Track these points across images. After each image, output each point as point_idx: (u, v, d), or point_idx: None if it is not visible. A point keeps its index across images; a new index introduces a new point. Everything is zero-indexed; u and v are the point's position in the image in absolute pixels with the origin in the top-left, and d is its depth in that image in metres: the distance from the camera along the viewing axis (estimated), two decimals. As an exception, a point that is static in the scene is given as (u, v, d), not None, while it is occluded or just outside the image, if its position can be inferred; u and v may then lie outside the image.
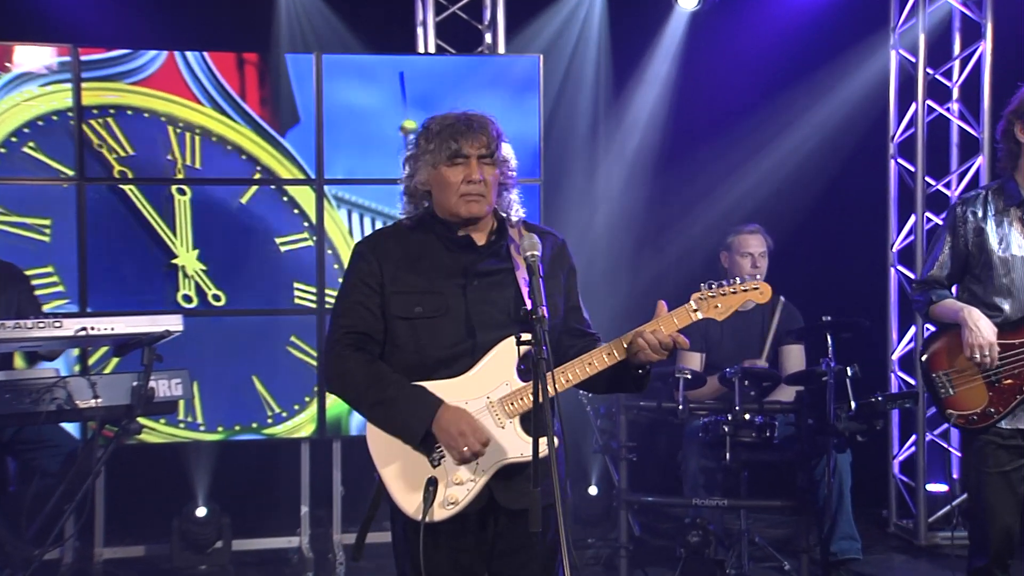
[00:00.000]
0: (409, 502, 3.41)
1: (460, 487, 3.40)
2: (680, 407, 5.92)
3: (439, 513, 3.39)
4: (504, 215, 3.61)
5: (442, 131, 3.50)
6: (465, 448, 3.34)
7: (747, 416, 5.90)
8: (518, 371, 3.42)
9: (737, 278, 3.54)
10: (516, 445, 3.40)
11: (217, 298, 6.56)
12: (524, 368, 3.26)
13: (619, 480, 6.34)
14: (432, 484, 3.39)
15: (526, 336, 3.23)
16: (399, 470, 3.44)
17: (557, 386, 3.37)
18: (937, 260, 4.77)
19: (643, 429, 6.65)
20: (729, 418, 5.88)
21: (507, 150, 3.56)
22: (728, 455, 5.86)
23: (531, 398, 3.24)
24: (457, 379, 3.43)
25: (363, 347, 3.49)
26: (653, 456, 6.92)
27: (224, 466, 6.91)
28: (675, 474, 6.49)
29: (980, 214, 4.67)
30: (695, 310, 3.49)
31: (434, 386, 3.43)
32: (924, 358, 4.76)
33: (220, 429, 6.60)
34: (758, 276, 6.52)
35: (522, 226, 3.63)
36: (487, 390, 3.43)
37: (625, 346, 3.43)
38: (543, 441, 3.13)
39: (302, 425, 6.69)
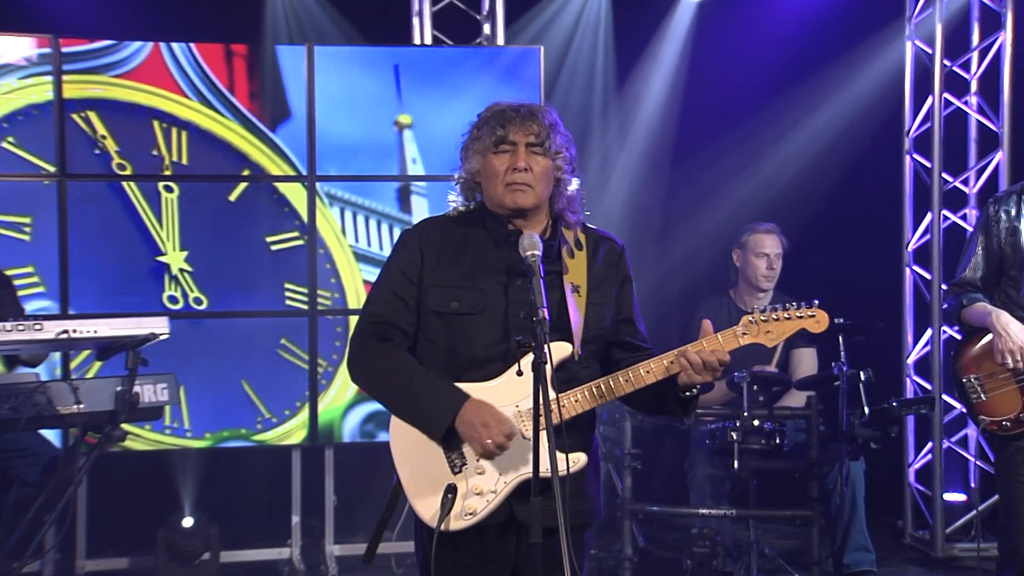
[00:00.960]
0: (426, 507, 3.41)
1: (479, 498, 3.39)
2: (685, 418, 5.90)
3: (455, 523, 3.38)
4: (560, 214, 3.58)
5: (491, 118, 3.51)
6: (488, 440, 3.32)
7: (756, 422, 5.90)
8: (547, 379, 3.26)
9: (793, 303, 3.50)
10: (543, 459, 3.31)
11: (199, 301, 6.56)
12: (520, 372, 3.25)
13: (623, 489, 6.34)
14: (451, 491, 3.38)
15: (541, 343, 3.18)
16: (419, 473, 3.43)
17: (589, 400, 3.40)
18: (970, 262, 4.79)
19: (648, 436, 6.65)
20: (738, 424, 5.88)
21: (563, 142, 3.53)
22: (736, 463, 5.86)
23: (564, 410, 3.29)
24: (486, 384, 3.42)
25: (388, 337, 3.49)
26: (658, 464, 6.93)
27: (212, 474, 6.91)
28: (681, 483, 6.49)
29: (1013, 213, 4.69)
30: (743, 334, 3.47)
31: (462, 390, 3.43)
32: (955, 361, 4.77)
33: (208, 436, 6.60)
34: (773, 278, 6.56)
35: (580, 228, 3.62)
36: (517, 398, 3.41)
37: (666, 364, 3.42)
38: (548, 449, 3.11)
39: (293, 431, 6.69)
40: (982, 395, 4.68)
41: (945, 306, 4.90)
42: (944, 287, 6.30)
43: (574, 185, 3.59)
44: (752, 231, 6.66)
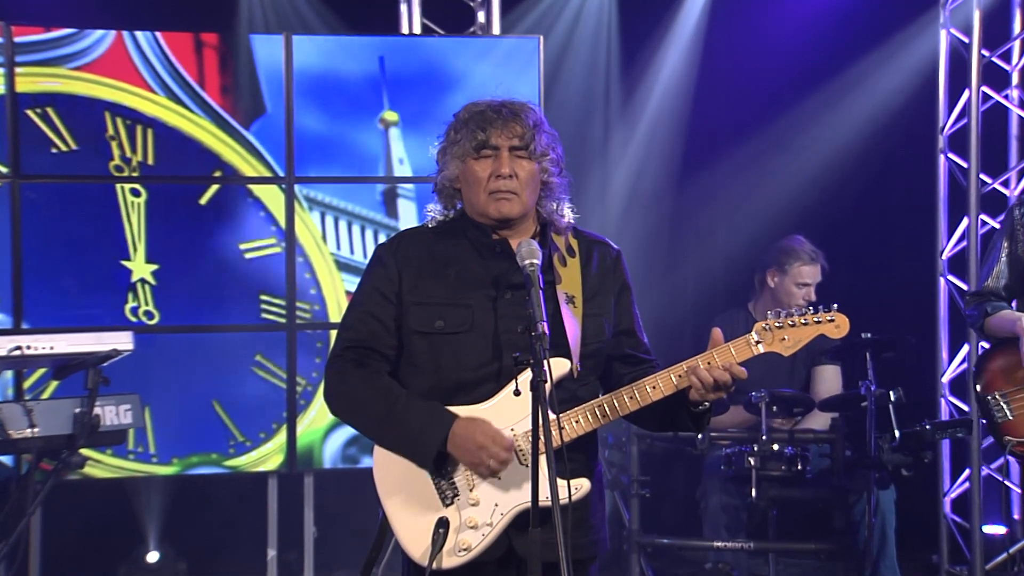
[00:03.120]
0: (415, 544, 3.41)
1: (474, 532, 3.39)
2: (699, 436, 5.93)
3: (448, 560, 3.38)
4: (548, 219, 3.60)
5: (470, 120, 3.51)
6: (491, 461, 3.33)
7: (776, 447, 5.92)
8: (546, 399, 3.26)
9: (810, 307, 3.52)
10: (542, 486, 3.29)
11: (150, 315, 6.55)
12: (517, 392, 3.26)
13: (630, 519, 6.35)
14: (442, 526, 3.38)
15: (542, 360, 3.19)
16: (406, 506, 3.43)
17: (591, 421, 3.41)
18: (993, 269, 4.79)
19: (657, 461, 6.66)
20: (755, 449, 5.89)
21: (549, 142, 3.53)
22: (754, 491, 5.87)
23: (564, 433, 3.31)
24: (477, 407, 3.43)
25: (367, 363, 3.50)
26: (669, 492, 6.94)
27: (179, 504, 6.91)
28: (694, 513, 6.50)
29: (1039, 217, 4.69)
30: (757, 342, 3.49)
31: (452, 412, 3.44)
32: (978, 377, 4.77)
33: (175, 461, 6.60)
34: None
35: (571, 233, 3.63)
36: (512, 420, 3.42)
37: (675, 379, 3.44)
38: (548, 476, 3.11)
39: (269, 456, 6.69)
40: (1008, 413, 4.68)
41: (967, 315, 4.90)
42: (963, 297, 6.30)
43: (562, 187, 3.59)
44: (796, 258, 6.58)
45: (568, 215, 3.61)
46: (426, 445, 3.38)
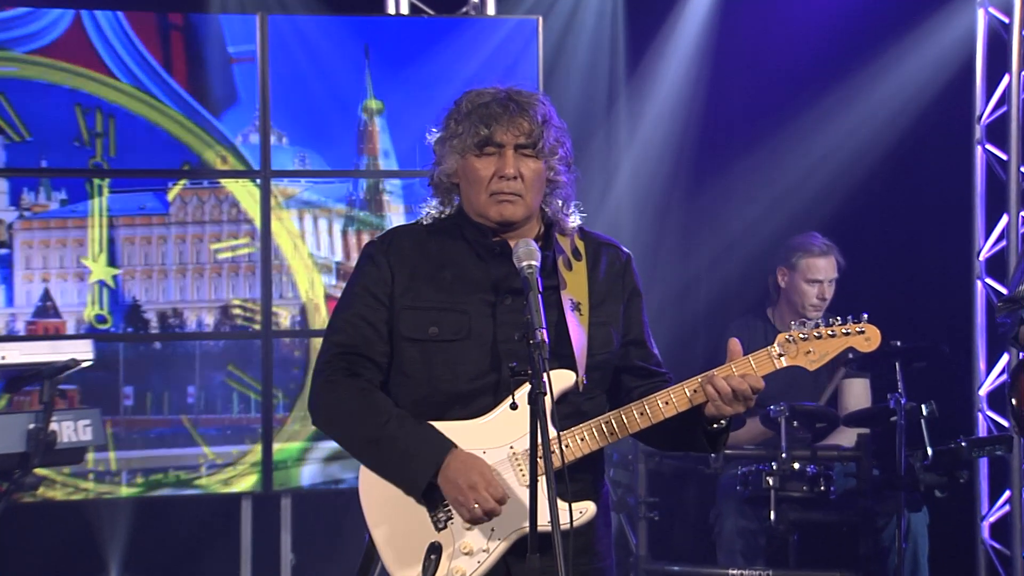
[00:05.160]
0: (404, 572, 3.41)
1: (469, 558, 3.39)
2: (713, 454, 5.93)
3: None
4: (554, 219, 3.59)
5: (472, 112, 3.49)
6: (475, 505, 3.32)
7: (797, 465, 5.91)
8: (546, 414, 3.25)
9: (838, 318, 3.52)
10: (542, 509, 3.26)
11: (102, 319, 6.54)
12: (515, 406, 3.26)
13: (637, 545, 6.35)
14: (435, 552, 3.38)
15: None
16: (395, 530, 3.43)
17: (596, 439, 3.41)
18: (1027, 274, 4.80)
19: (667, 481, 6.65)
20: (774, 468, 5.89)
21: (558, 137, 3.52)
22: (773, 514, 5.87)
23: (568, 451, 3.32)
24: (474, 422, 3.44)
25: (358, 372, 3.49)
26: (680, 515, 6.93)
27: (144, 528, 6.90)
28: (707, 538, 6.50)
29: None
30: (780, 355, 3.49)
31: (444, 428, 3.43)
32: (1012, 390, 4.78)
33: (139, 481, 6.60)
34: (822, 308, 6.52)
35: (577, 235, 3.63)
36: (511, 438, 3.42)
37: (689, 394, 3.43)
38: (548, 498, 3.10)
39: (242, 476, 6.69)
40: (1047, 430, 4.69)
41: (999, 323, 4.91)
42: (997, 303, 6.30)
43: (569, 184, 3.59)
44: (805, 252, 6.57)
45: (575, 219, 3.61)
46: (416, 474, 3.38)
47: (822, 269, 6.55)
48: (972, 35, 7.59)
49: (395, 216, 6.72)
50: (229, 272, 6.67)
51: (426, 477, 3.36)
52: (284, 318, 6.69)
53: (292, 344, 6.72)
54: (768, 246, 6.90)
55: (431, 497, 3.40)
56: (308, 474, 6.75)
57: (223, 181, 6.66)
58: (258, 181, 6.66)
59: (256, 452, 6.68)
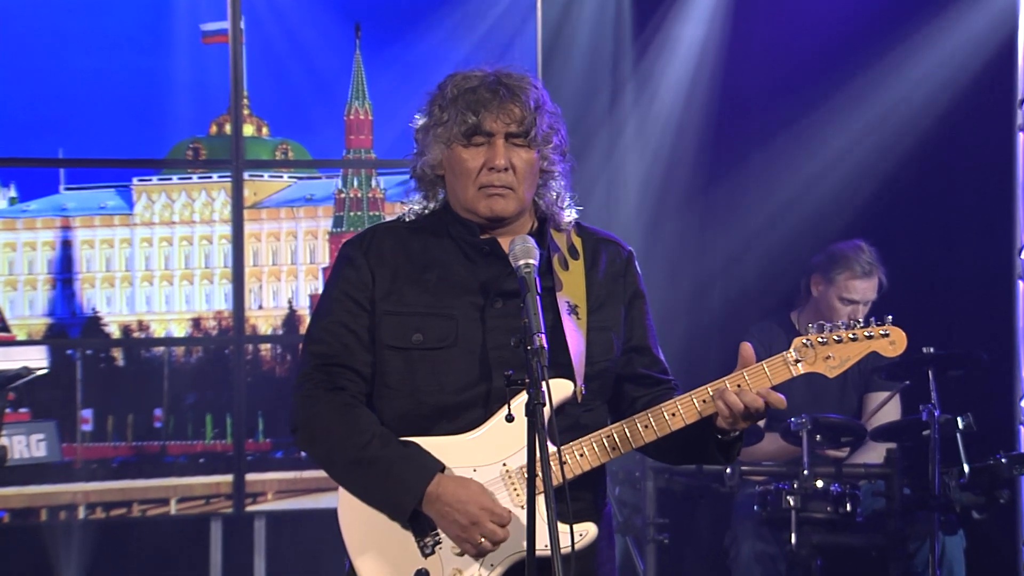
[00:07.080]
0: None
1: None
2: (728, 471, 5.92)
3: None
4: (548, 214, 3.58)
5: (459, 97, 3.47)
6: (482, 540, 3.33)
7: (820, 484, 5.91)
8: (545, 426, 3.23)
9: (860, 321, 3.51)
10: (540, 532, 3.22)
11: (99, 332, 6.55)
12: (510, 418, 3.23)
13: (645, 570, 6.34)
14: None
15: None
16: (378, 556, 3.43)
17: (598, 454, 3.40)
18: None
19: (678, 500, 6.64)
20: (795, 486, 5.89)
21: (551, 124, 3.50)
22: (794, 537, 5.87)
23: (567, 468, 3.30)
24: (463, 437, 3.43)
25: (340, 385, 3.48)
26: (691, 537, 6.93)
27: (104, 551, 6.89)
28: (722, 562, 6.50)
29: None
30: (796, 361, 3.47)
31: (431, 444, 3.42)
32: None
33: (99, 516, 6.59)
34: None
35: (574, 230, 3.62)
36: (504, 454, 3.42)
37: (698, 405, 3.42)
38: (547, 519, 3.09)
39: (213, 495, 6.69)
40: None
41: None
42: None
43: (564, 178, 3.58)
44: (846, 268, 6.51)
45: (571, 213, 3.59)
46: (401, 499, 3.36)
47: (860, 291, 6.51)
48: (1013, 12, 7.58)
49: (394, 216, 6.71)
50: (202, 280, 6.66)
51: (412, 503, 3.35)
52: (264, 330, 6.69)
53: (273, 360, 6.72)
54: (789, 245, 6.88)
55: (417, 521, 3.38)
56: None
57: (193, 172, 6.65)
58: (230, 172, 6.64)
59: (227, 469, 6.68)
